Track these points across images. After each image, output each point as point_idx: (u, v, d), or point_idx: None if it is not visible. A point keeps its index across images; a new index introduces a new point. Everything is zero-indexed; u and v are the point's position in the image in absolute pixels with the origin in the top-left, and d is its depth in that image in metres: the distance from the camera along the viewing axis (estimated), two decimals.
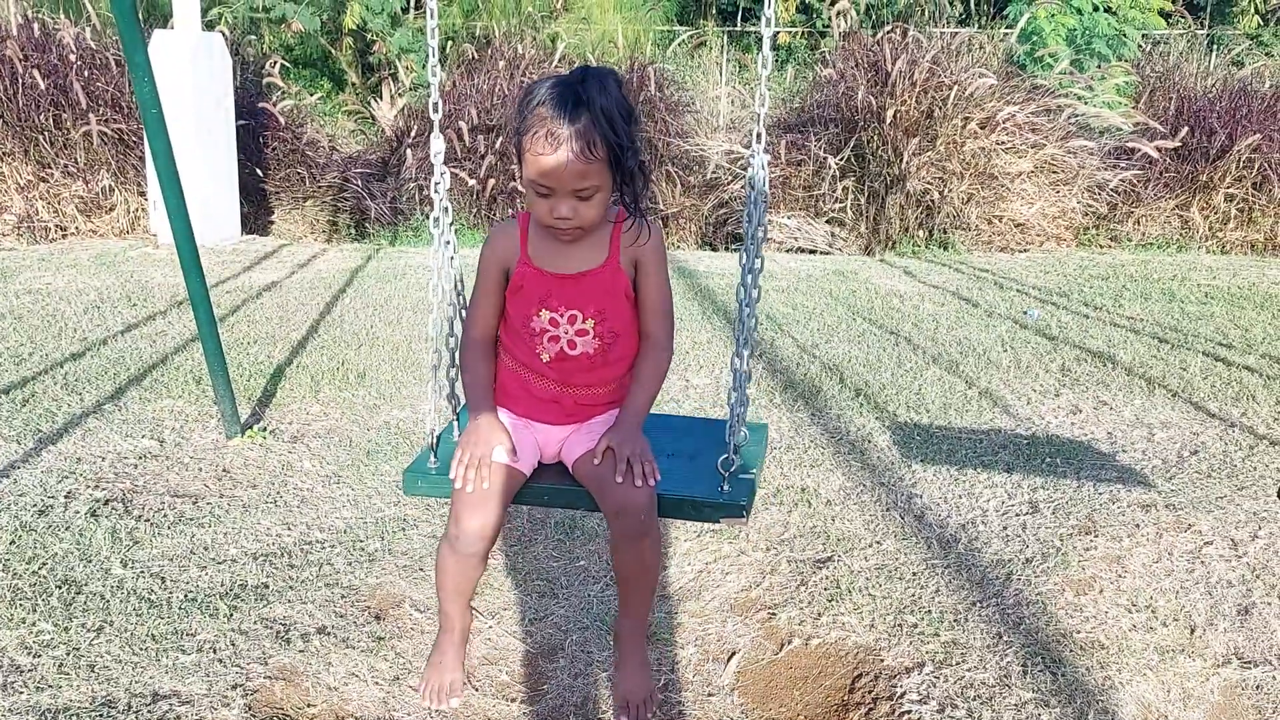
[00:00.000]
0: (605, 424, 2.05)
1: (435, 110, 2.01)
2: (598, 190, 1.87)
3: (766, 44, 1.89)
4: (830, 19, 9.92)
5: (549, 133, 1.81)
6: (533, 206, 1.92)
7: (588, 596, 3.02)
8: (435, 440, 2.08)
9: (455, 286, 2.13)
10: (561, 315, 2.00)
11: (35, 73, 8.02)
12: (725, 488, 1.97)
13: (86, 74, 8.24)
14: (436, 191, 2.02)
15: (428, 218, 2.04)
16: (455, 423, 2.24)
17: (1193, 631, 2.86)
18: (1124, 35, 9.49)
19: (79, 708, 2.40)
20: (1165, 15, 10.80)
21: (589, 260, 1.99)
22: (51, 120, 8.18)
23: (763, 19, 1.87)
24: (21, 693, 2.45)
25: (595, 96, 1.81)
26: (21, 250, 7.80)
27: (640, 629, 2.13)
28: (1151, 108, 9.22)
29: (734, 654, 2.74)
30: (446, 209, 2.05)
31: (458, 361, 2.13)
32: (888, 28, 9.01)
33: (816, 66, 9.44)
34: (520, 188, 2.04)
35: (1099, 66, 9.26)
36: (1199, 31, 11.19)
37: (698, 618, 2.92)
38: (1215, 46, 11.02)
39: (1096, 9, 9.41)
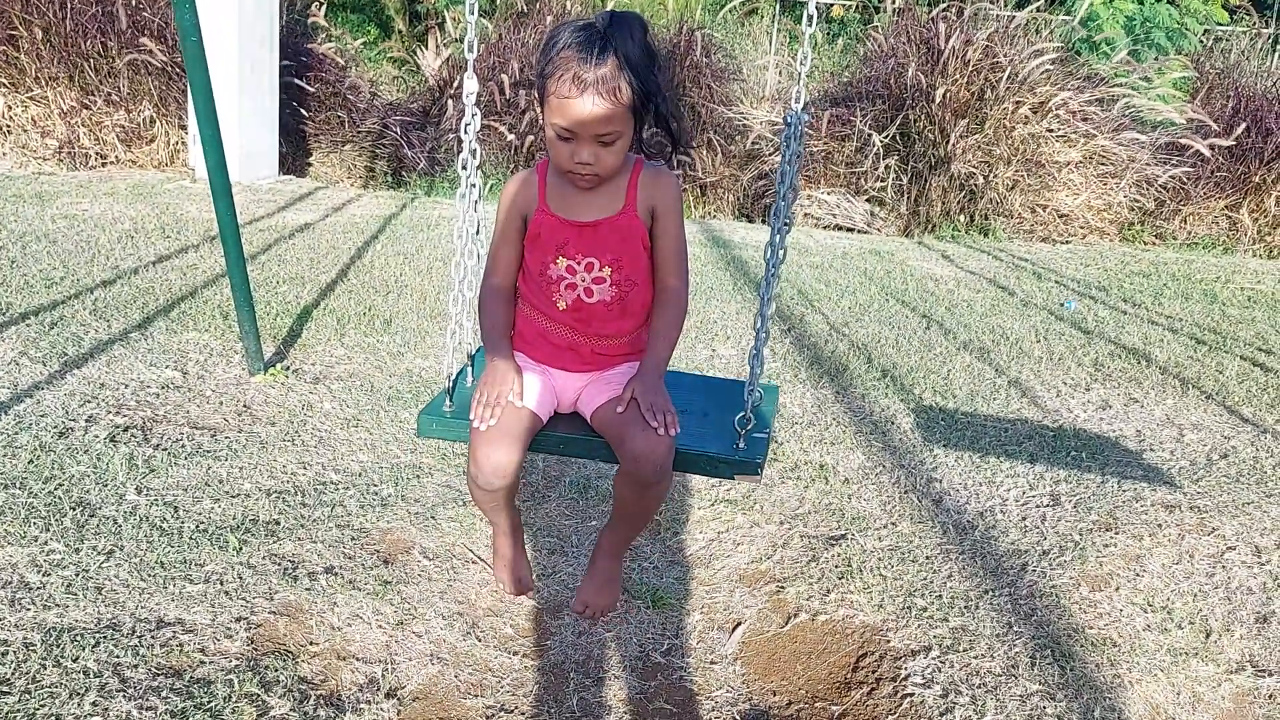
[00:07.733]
0: (623, 375, 2.02)
1: (470, 50, 1.96)
2: (619, 136, 1.86)
3: None
4: None
5: (575, 76, 1.78)
6: (553, 151, 1.90)
7: None
8: (451, 384, 2.06)
9: (478, 232, 2.10)
10: (579, 263, 1.98)
11: None
12: (741, 445, 1.95)
13: (134, 2, 8.24)
14: (465, 133, 1.99)
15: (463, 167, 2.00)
16: (470, 368, 2.22)
17: (1208, 636, 2.81)
18: (1184, 28, 9.25)
19: (84, 628, 2.42)
20: (1230, 10, 10.51)
21: (606, 208, 1.97)
22: (98, 47, 8.19)
23: None
24: (29, 609, 2.47)
25: (622, 41, 1.79)
26: (61, 175, 7.84)
27: (621, 547, 2.17)
28: (1208, 105, 8.99)
29: (739, 624, 2.72)
30: (475, 151, 2.01)
31: (477, 306, 2.10)
32: (943, 5, 8.83)
33: (867, 41, 9.28)
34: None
35: (1157, 58, 9.04)
36: (1264, 30, 10.88)
37: (706, 586, 2.90)
38: None
39: (1158, 0, 9.18)
